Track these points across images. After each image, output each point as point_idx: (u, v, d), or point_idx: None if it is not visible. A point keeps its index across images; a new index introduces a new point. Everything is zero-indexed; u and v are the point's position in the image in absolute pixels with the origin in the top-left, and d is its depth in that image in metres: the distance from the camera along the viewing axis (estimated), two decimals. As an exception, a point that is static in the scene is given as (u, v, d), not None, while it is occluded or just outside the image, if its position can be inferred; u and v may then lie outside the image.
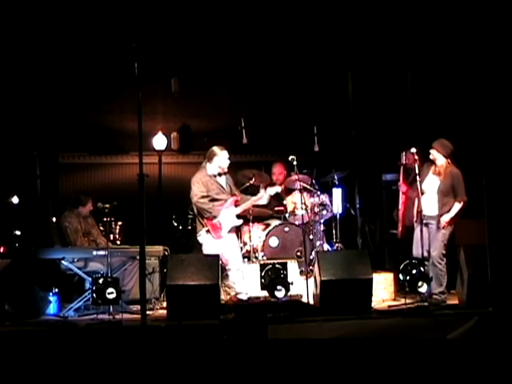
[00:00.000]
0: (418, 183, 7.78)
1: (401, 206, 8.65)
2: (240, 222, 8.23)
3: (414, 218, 7.97)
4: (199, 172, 8.26)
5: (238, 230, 8.79)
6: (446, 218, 7.75)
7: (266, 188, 8.47)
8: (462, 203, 7.79)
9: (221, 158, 8.20)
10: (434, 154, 7.91)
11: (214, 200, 8.11)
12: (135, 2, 8.03)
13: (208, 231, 8.07)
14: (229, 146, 8.40)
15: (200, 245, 8.23)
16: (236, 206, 8.21)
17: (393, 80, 9.78)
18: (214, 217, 8.03)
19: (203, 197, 8.07)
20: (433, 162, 7.98)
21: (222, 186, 8.25)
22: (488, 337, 6.46)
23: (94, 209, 8.68)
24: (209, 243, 8.08)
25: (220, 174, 8.26)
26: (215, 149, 8.23)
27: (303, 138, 9.84)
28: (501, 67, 7.15)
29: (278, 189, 8.49)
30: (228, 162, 8.24)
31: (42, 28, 8.28)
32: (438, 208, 7.83)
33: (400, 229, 8.84)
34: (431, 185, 7.92)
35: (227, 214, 8.10)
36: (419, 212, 7.80)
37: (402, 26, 8.63)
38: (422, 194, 7.82)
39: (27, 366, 5.96)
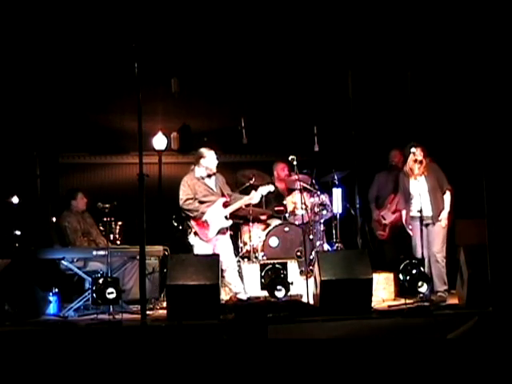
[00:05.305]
0: (406, 183, 7.91)
1: (392, 209, 8.77)
2: (229, 222, 8.14)
3: (404, 219, 8.06)
4: (187, 175, 8.20)
5: (237, 230, 8.77)
6: (445, 215, 7.81)
7: (257, 188, 8.41)
8: (450, 192, 7.89)
9: (208, 159, 8.12)
10: (421, 153, 7.94)
11: (201, 202, 8.05)
12: (135, 2, 8.02)
13: (196, 233, 8.01)
14: (229, 146, 8.40)
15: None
16: (225, 206, 8.16)
17: (393, 80, 9.77)
18: (202, 214, 7.98)
19: (189, 199, 8.01)
20: (415, 163, 7.98)
21: (211, 188, 8.16)
22: (488, 337, 6.45)
23: (88, 202, 8.69)
24: (198, 245, 8.04)
25: (209, 176, 8.18)
26: (202, 150, 8.16)
27: (303, 138, 9.83)
28: (501, 67, 7.15)
29: (270, 188, 8.38)
30: (216, 162, 8.17)
31: (42, 28, 8.27)
32: (433, 206, 7.86)
33: (387, 231, 8.96)
34: (420, 186, 7.92)
35: (215, 214, 8.03)
36: (419, 212, 7.81)
37: (402, 26, 8.63)
38: (411, 194, 7.92)
39: (27, 366, 5.95)
